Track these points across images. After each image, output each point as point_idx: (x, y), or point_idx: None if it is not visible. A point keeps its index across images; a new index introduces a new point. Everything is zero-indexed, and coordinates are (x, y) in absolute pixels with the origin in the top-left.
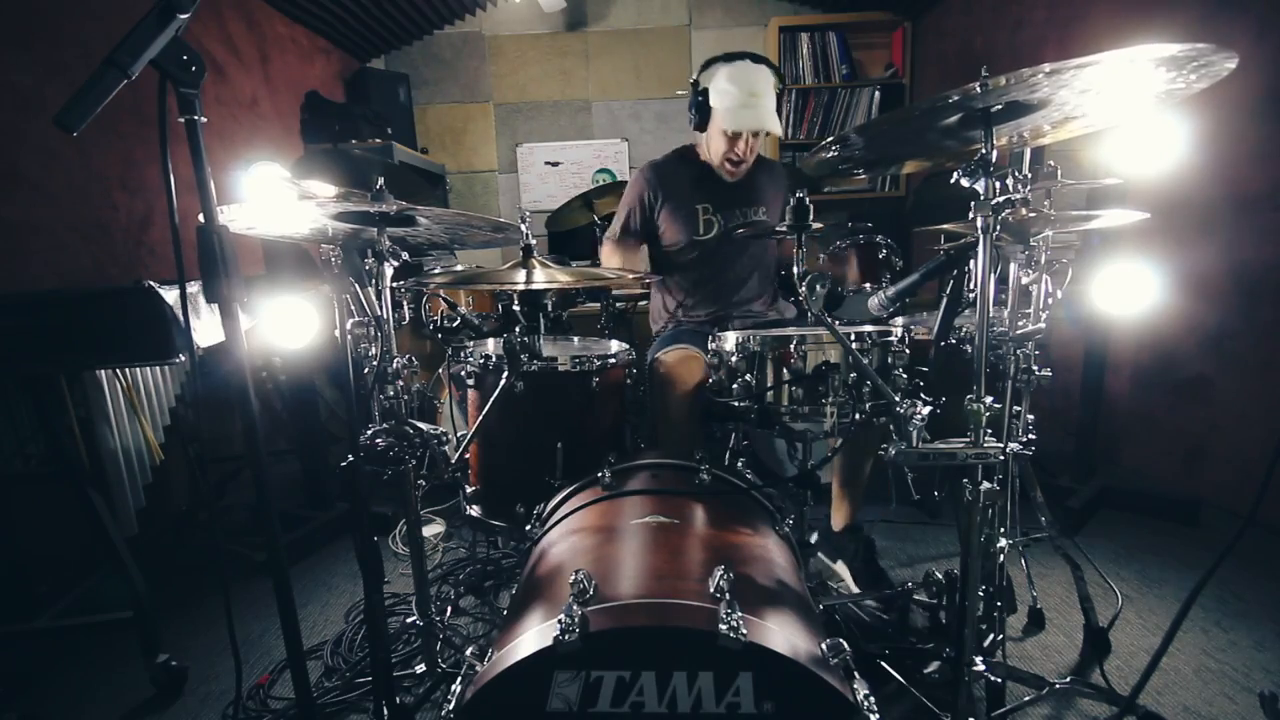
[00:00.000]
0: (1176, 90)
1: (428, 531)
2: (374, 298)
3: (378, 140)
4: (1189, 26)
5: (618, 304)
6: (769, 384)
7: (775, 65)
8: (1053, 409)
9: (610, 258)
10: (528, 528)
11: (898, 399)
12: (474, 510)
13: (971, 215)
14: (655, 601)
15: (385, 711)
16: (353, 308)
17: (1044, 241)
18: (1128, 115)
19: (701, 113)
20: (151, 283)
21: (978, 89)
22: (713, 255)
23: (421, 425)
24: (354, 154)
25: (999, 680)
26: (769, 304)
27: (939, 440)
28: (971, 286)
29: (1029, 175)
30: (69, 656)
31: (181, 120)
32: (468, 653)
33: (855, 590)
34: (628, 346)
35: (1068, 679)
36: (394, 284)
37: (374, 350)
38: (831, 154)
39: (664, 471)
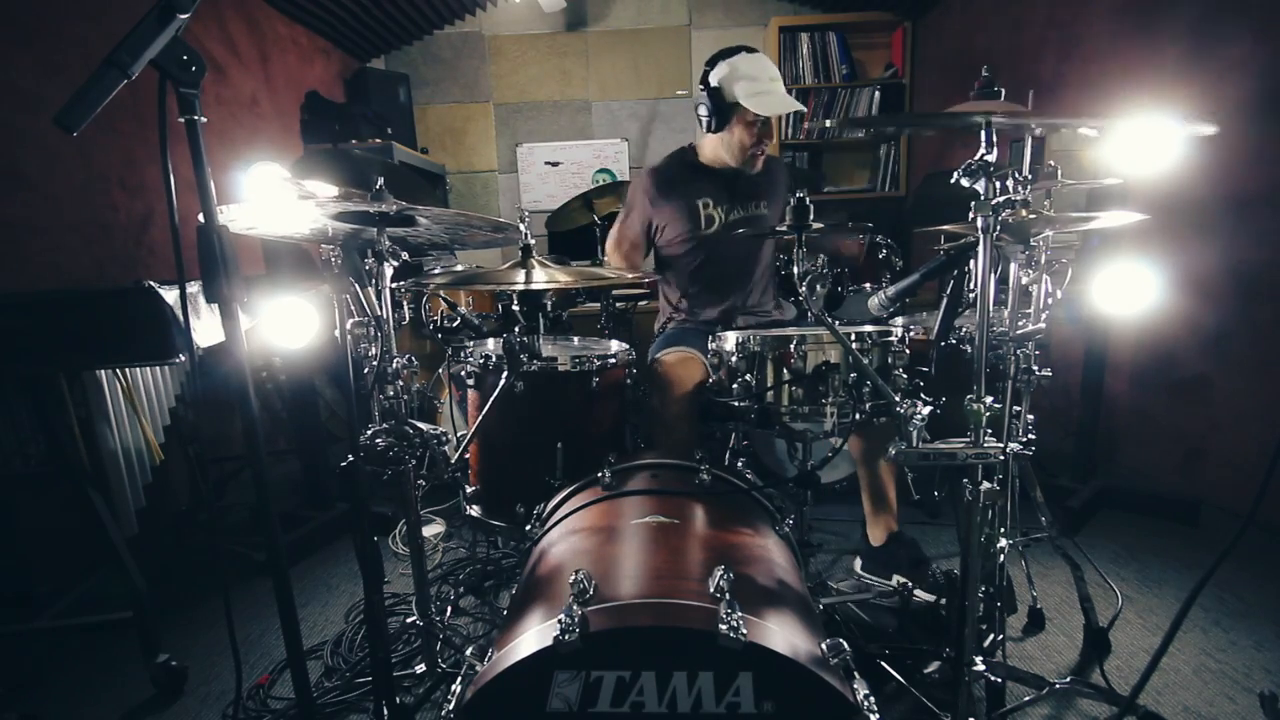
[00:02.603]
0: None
1: (428, 531)
2: (374, 298)
3: (378, 140)
4: (1189, 27)
5: (618, 304)
6: (769, 384)
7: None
8: (1053, 409)
9: (614, 256)
10: (528, 528)
11: (898, 399)
12: (474, 510)
13: (971, 215)
14: (655, 601)
15: (385, 711)
16: (353, 308)
17: (1044, 241)
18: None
19: (720, 112)
20: (151, 283)
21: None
22: (714, 250)
23: (421, 425)
24: (354, 154)
25: (999, 680)
26: (773, 302)
27: (939, 440)
28: (971, 286)
29: (1029, 175)
30: (69, 656)
31: (181, 120)
32: (468, 653)
33: (931, 600)
34: (628, 346)
35: (1068, 679)
36: (394, 284)
37: (374, 350)
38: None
39: (664, 471)
